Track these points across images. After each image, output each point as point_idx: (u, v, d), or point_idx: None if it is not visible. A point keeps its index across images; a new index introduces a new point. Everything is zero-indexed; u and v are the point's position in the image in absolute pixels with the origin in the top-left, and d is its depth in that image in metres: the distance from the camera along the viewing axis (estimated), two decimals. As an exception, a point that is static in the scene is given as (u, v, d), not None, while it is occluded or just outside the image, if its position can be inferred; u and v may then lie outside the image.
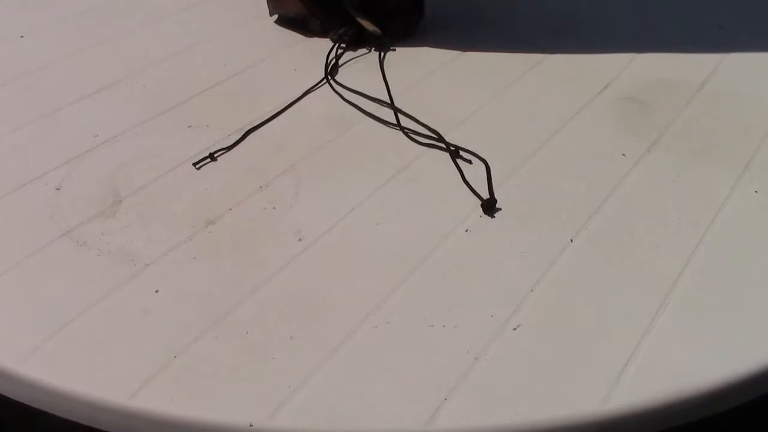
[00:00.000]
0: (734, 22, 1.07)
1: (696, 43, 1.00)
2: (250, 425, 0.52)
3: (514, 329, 0.59)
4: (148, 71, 0.93)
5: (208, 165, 0.78)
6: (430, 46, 0.99)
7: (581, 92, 0.90)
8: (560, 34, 1.03)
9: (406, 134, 0.82)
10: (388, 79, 0.91)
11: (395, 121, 0.84)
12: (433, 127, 0.82)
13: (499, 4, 1.09)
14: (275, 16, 1.04)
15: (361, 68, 0.94)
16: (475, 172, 0.76)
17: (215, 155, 0.79)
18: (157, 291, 0.63)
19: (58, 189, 0.74)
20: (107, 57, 0.96)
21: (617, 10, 1.09)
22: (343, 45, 0.97)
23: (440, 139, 0.81)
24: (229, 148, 0.80)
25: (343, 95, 0.89)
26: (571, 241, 0.68)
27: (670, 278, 0.64)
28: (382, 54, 0.96)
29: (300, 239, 0.68)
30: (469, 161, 0.78)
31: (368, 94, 0.88)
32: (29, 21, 1.04)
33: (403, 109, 0.85)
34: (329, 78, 0.92)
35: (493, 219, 0.71)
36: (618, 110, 0.87)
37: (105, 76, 0.92)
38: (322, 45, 0.98)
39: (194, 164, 0.77)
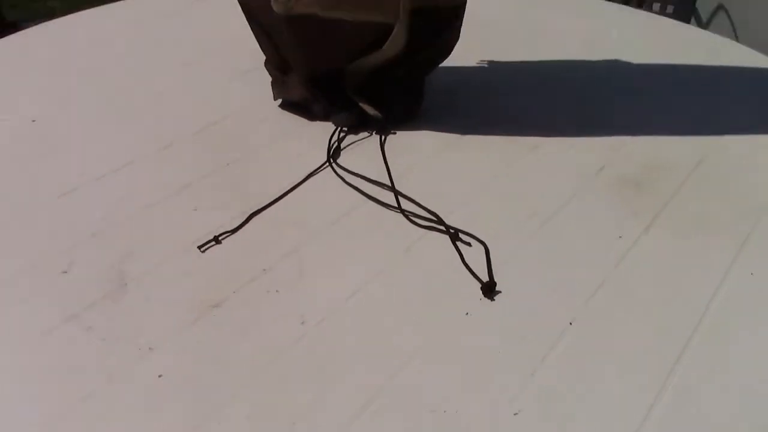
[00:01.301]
0: (726, 106, 1.10)
1: (688, 127, 1.03)
2: None
3: (515, 414, 0.60)
4: (154, 155, 0.95)
5: (212, 248, 0.79)
6: (429, 130, 1.01)
7: (577, 175, 0.92)
8: (556, 118, 1.06)
9: (407, 217, 0.84)
10: (388, 162, 0.93)
11: (396, 204, 0.86)
12: (432, 209, 0.84)
13: (497, 90, 1.13)
14: (279, 101, 1.07)
15: (362, 152, 0.97)
16: (474, 255, 0.78)
17: (220, 238, 0.80)
18: (160, 376, 0.63)
19: (64, 272, 0.75)
20: (115, 143, 0.98)
21: (611, 95, 1.12)
22: (345, 129, 1.00)
23: (440, 221, 0.83)
24: (233, 231, 0.81)
25: (345, 178, 0.91)
26: (570, 324, 0.69)
27: (668, 363, 0.64)
28: (383, 138, 0.99)
29: (303, 322, 0.69)
30: (469, 244, 0.80)
31: (369, 177, 0.91)
32: (39, 106, 1.07)
33: (404, 192, 0.87)
34: (331, 161, 0.94)
35: (493, 302, 0.72)
36: (614, 192, 0.89)
37: (112, 159, 0.94)
38: (325, 129, 1.00)
39: (199, 247, 0.79)
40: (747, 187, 0.91)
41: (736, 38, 2.70)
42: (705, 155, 0.96)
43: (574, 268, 0.76)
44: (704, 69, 1.23)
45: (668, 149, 0.98)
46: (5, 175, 0.91)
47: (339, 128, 1.00)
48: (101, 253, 0.78)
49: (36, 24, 1.36)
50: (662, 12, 1.76)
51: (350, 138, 0.99)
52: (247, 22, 1.02)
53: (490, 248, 0.78)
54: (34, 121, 1.03)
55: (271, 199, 0.86)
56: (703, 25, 2.76)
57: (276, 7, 0.94)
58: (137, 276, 0.75)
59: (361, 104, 1.00)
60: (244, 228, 0.82)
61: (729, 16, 2.74)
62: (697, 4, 2.65)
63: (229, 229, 0.81)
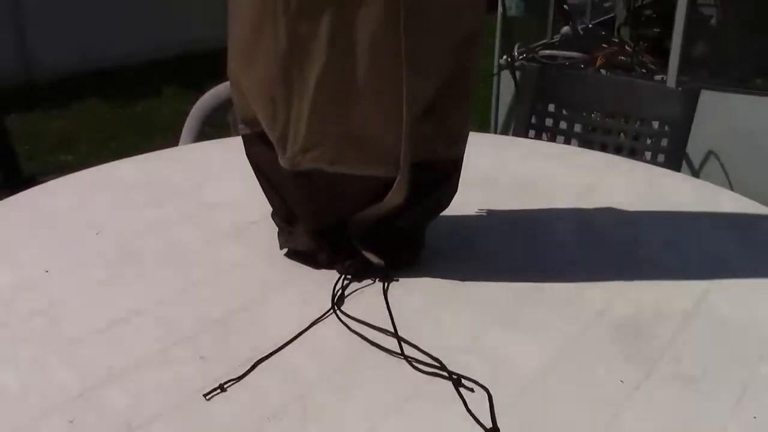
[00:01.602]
0: (721, 251, 1.13)
1: (685, 271, 1.06)
2: None
3: None
4: (163, 304, 0.98)
5: (218, 395, 0.80)
6: (431, 277, 1.04)
7: (577, 320, 0.94)
8: (554, 263, 1.09)
9: (410, 363, 0.85)
10: (392, 308, 0.95)
11: (399, 350, 0.87)
12: (435, 355, 0.86)
13: (495, 238, 1.16)
14: (285, 250, 1.10)
15: (366, 299, 0.99)
16: (478, 400, 0.78)
17: (225, 386, 0.81)
18: None
19: (71, 422, 0.76)
20: (124, 292, 1.01)
21: (608, 241, 1.16)
22: (349, 276, 1.03)
23: (443, 367, 0.84)
24: (239, 379, 0.82)
25: (349, 325, 0.93)
26: (575, 471, 0.69)
27: None
28: (386, 284, 1.01)
29: (306, 472, 0.69)
30: (472, 389, 0.80)
31: (373, 323, 0.92)
32: (52, 258, 1.10)
33: (407, 339, 0.89)
34: (336, 308, 0.96)
35: (496, 448, 0.72)
36: (614, 337, 0.90)
37: (121, 309, 0.96)
38: (330, 276, 1.03)
39: (205, 395, 0.80)
40: (746, 330, 0.92)
41: (729, 184, 2.78)
42: (703, 299, 0.98)
43: (576, 412, 0.77)
44: (698, 215, 1.27)
45: (667, 294, 1.00)
46: (15, 321, 0.93)
47: (343, 276, 1.03)
48: (108, 402, 0.79)
49: (51, 177, 1.42)
50: (653, 161, 1.83)
51: (354, 285, 1.02)
52: (249, 177, 1.07)
53: (492, 394, 0.79)
54: (47, 271, 1.06)
55: (277, 347, 0.88)
56: (696, 172, 2.85)
57: (283, 163, 0.99)
58: (143, 424, 0.75)
59: (364, 252, 1.03)
60: (249, 375, 0.83)
61: (720, 163, 2.83)
62: (689, 151, 2.75)
63: (235, 377, 0.82)
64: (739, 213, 1.27)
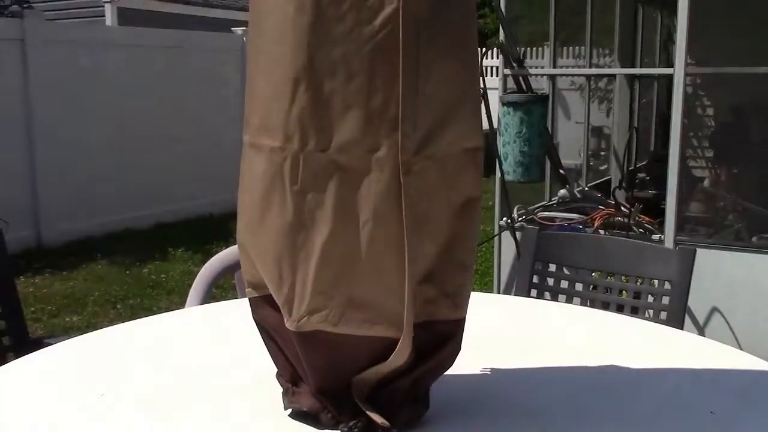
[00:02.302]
0: (724, 409, 1.12)
1: (694, 430, 1.05)
2: None
3: None
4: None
5: None
6: (435, 437, 1.03)
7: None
8: (557, 424, 1.08)
9: None
10: (396, 471, 0.94)
11: None
12: None
13: (499, 396, 1.16)
14: (289, 410, 1.10)
15: (370, 461, 0.98)
16: None
17: None
18: None
19: None
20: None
21: (610, 400, 1.15)
22: (352, 438, 1.02)
23: None
24: None
25: (353, 489, 0.91)
26: None
27: None
28: (390, 444, 1.01)
29: None
30: None
31: (377, 487, 0.91)
32: (57, 422, 1.10)
33: (412, 502, 0.88)
34: (340, 473, 0.95)
35: None
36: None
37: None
38: (333, 438, 1.03)
39: None
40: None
41: (735, 338, 2.77)
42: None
43: None
44: (701, 373, 1.27)
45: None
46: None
47: (347, 437, 1.02)
48: None
49: (57, 340, 1.43)
50: (656, 318, 1.85)
51: (358, 447, 1.01)
52: (254, 338, 1.09)
53: None
54: (50, 435, 1.05)
55: None
56: (701, 328, 2.84)
57: (289, 324, 1.01)
58: None
59: (368, 413, 1.03)
60: None
61: (725, 319, 2.83)
62: (692, 308, 2.75)
63: None
64: (742, 370, 1.27)
